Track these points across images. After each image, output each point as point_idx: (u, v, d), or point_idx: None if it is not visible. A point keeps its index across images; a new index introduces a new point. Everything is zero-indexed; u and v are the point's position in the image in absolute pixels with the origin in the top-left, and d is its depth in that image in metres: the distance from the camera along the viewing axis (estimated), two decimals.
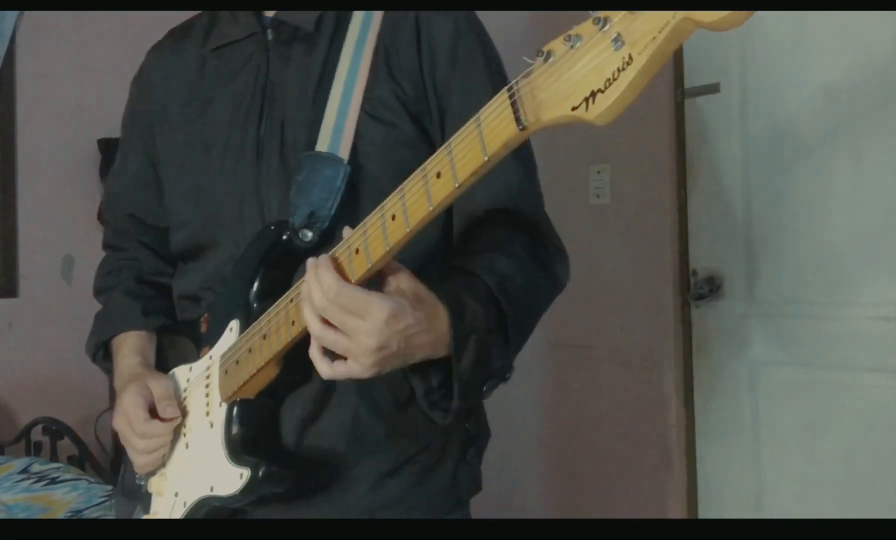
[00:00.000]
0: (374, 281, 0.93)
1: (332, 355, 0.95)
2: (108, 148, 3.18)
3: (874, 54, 1.97)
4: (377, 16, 1.15)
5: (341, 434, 1.10)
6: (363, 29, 1.14)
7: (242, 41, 1.19)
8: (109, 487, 2.37)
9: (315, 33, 1.15)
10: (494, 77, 1.16)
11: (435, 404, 1.02)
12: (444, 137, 1.13)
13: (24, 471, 2.45)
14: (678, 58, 2.30)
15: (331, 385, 1.10)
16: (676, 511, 2.31)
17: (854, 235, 2.01)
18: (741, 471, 2.22)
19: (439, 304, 0.96)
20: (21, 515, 2.18)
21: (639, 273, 2.41)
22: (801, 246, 2.10)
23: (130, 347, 1.24)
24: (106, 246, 1.38)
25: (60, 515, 2.18)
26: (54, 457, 2.74)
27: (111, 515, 2.20)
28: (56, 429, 2.77)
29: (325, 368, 0.95)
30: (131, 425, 1.14)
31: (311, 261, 0.94)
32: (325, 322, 0.92)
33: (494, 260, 1.06)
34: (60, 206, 3.12)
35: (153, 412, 1.14)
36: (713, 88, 2.26)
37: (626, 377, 2.43)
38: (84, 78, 3.15)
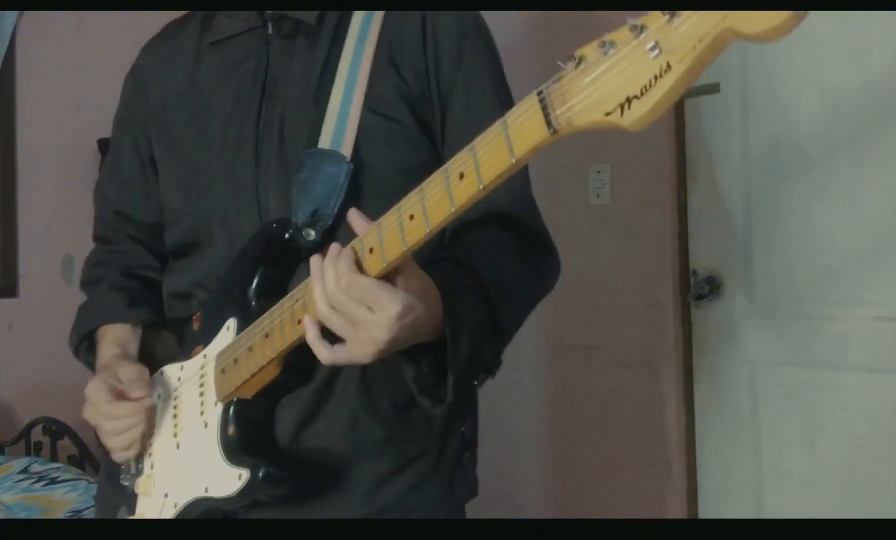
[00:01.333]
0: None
1: (331, 339, 0.93)
2: (108, 148, 3.19)
3: (874, 54, 1.97)
4: (380, 11, 1.14)
5: (339, 437, 1.09)
6: (365, 23, 1.13)
7: (242, 35, 1.18)
8: None
9: (317, 27, 1.14)
10: (498, 82, 1.15)
11: (424, 390, 1.00)
12: (444, 138, 1.13)
13: (24, 471, 2.45)
14: None
15: (329, 387, 1.09)
16: (676, 511, 2.31)
17: (854, 235, 2.01)
18: (741, 471, 2.22)
19: (437, 293, 0.95)
20: (21, 515, 2.18)
21: (639, 273, 2.40)
22: (801, 246, 2.10)
23: (111, 339, 1.22)
24: (95, 238, 1.37)
25: (60, 515, 2.18)
26: (54, 457, 2.73)
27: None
28: (56, 429, 2.77)
29: (324, 353, 0.93)
30: (95, 408, 1.11)
31: (334, 246, 0.92)
32: (334, 308, 0.91)
33: (488, 254, 1.05)
34: (60, 206, 3.12)
35: (121, 397, 1.11)
36: (713, 88, 2.26)
37: (626, 377, 2.43)
38: (84, 78, 3.15)
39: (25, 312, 3.04)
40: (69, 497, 2.29)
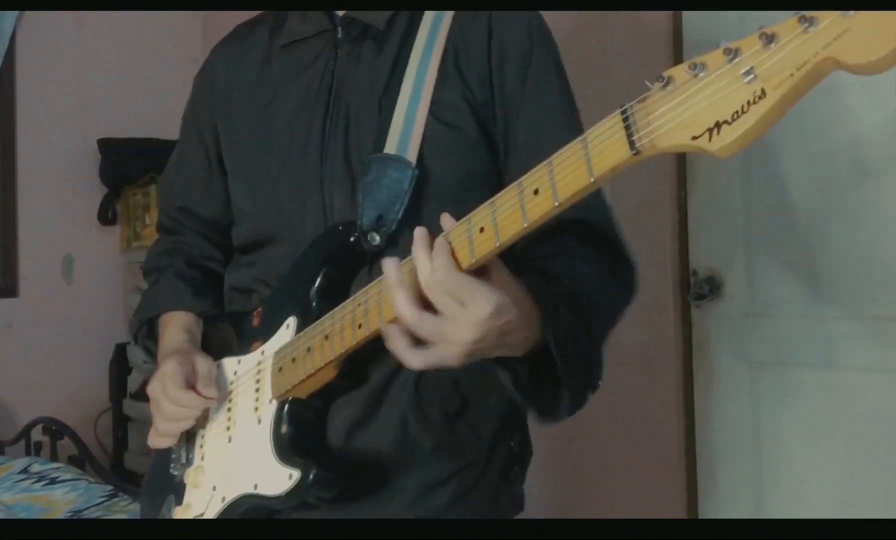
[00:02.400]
0: (479, 272, 0.90)
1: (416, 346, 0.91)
2: (108, 148, 3.19)
3: None
4: (448, 15, 1.14)
5: (388, 442, 1.09)
6: (433, 29, 1.13)
7: (311, 38, 1.19)
8: (109, 487, 2.37)
9: (386, 32, 1.15)
10: (564, 94, 1.15)
11: (526, 395, 0.99)
12: (507, 147, 1.13)
13: (24, 471, 2.45)
14: (678, 57, 2.30)
15: (383, 392, 1.09)
16: (676, 511, 2.31)
17: (854, 235, 2.01)
18: (741, 471, 2.22)
19: (535, 308, 0.93)
20: (21, 515, 2.18)
21: (639, 273, 2.40)
22: (801, 246, 2.10)
23: (178, 324, 1.23)
24: (159, 229, 1.39)
25: (60, 515, 2.18)
26: (54, 457, 2.74)
27: (111, 515, 2.21)
28: (56, 429, 2.77)
29: (416, 359, 0.91)
30: (165, 388, 1.12)
31: (420, 232, 0.90)
32: (419, 309, 0.89)
33: (574, 265, 1.04)
34: (60, 206, 3.12)
35: (191, 387, 1.12)
36: None
37: (626, 377, 2.43)
38: (84, 78, 3.16)
39: (25, 312, 3.04)
40: (69, 497, 2.29)
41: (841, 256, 2.03)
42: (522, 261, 1.03)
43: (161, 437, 1.17)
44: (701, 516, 2.29)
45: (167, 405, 1.13)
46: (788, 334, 2.13)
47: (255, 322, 1.16)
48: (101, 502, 2.26)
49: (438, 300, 0.88)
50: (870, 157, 1.99)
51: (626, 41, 2.35)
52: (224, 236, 1.29)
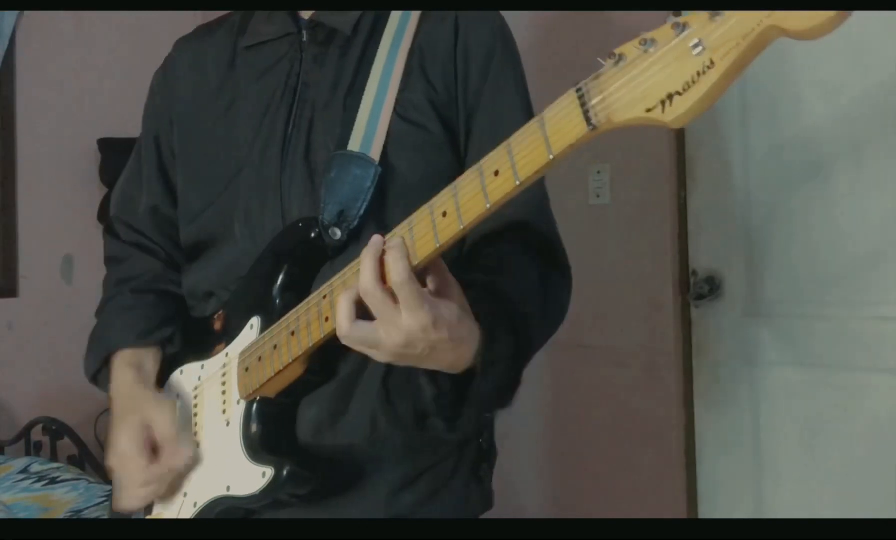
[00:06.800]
0: (435, 280, 0.90)
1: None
2: (108, 148, 3.19)
3: (875, 54, 1.97)
4: (414, 17, 1.15)
5: (358, 440, 1.09)
6: (399, 29, 1.14)
7: (276, 41, 1.19)
8: (109, 487, 2.37)
9: (352, 35, 1.15)
10: (523, 95, 1.17)
11: (441, 412, 0.99)
12: (468, 146, 1.14)
13: (24, 471, 2.45)
14: None
15: (350, 388, 1.09)
16: (676, 511, 2.31)
17: (854, 235, 2.01)
18: (741, 471, 2.22)
19: (476, 329, 0.93)
20: (21, 515, 2.18)
21: (639, 273, 2.40)
22: (801, 246, 2.10)
23: (124, 360, 1.19)
24: (107, 260, 1.33)
25: (60, 515, 2.18)
26: (54, 457, 2.74)
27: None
28: (56, 429, 2.77)
29: (346, 330, 0.89)
30: (129, 472, 1.10)
31: (375, 239, 0.89)
32: (354, 319, 0.89)
33: (518, 283, 1.04)
34: (60, 206, 3.12)
35: (155, 448, 1.09)
36: None
37: (626, 377, 2.43)
38: (84, 78, 3.16)
39: (25, 312, 3.04)
40: (69, 497, 2.29)
41: (841, 256, 2.03)
42: (467, 268, 1.04)
43: (128, 508, 1.13)
44: (701, 516, 2.29)
45: (137, 490, 1.10)
46: (788, 334, 2.12)
47: (217, 326, 1.15)
48: (101, 502, 2.25)
49: (375, 305, 0.87)
50: (871, 159, 1.99)
51: (625, 42, 2.35)
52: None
